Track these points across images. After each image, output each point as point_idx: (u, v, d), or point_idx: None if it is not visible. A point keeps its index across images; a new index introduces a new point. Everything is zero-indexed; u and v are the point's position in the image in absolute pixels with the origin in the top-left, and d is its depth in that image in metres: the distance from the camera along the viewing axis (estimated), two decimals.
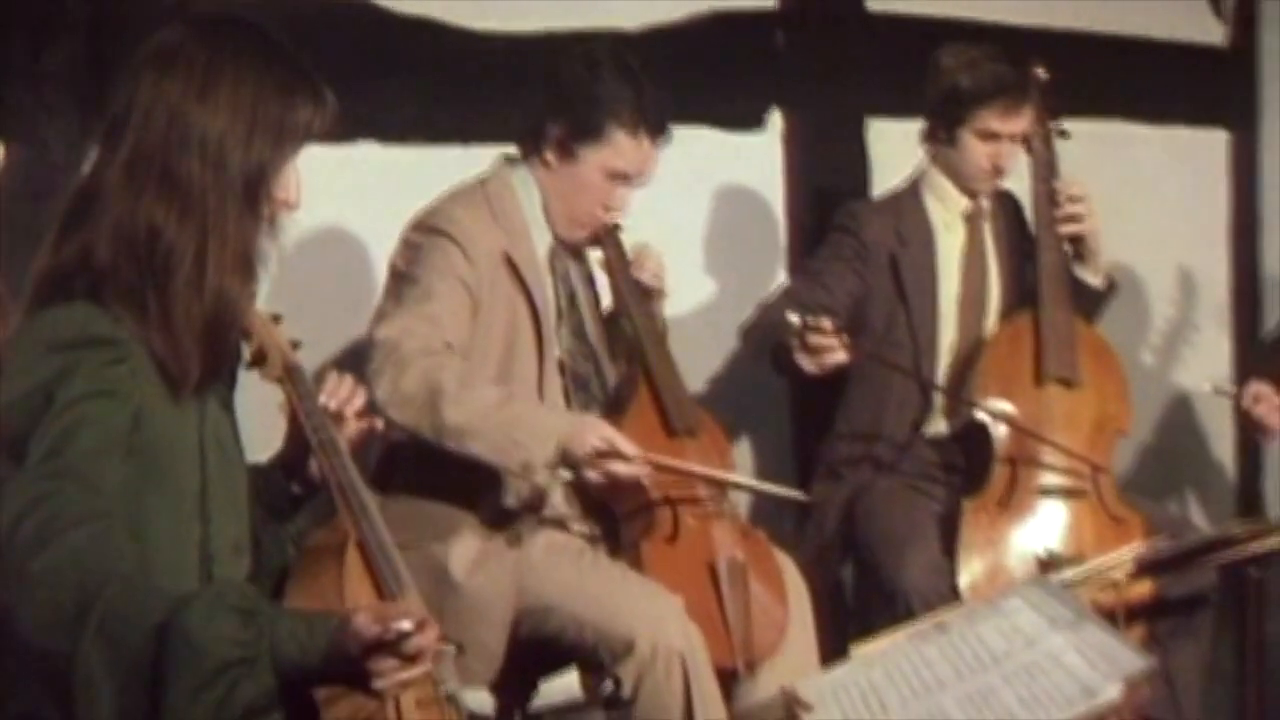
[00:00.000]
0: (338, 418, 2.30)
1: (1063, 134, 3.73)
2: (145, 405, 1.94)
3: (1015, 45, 3.77)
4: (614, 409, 3.11)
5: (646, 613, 2.85)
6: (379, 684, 1.82)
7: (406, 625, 1.77)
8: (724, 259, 4.46)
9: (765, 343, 3.40)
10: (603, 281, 3.30)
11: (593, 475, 2.82)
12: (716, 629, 2.96)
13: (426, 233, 3.00)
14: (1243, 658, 4.05)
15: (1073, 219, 3.59)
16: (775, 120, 4.55)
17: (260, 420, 2.37)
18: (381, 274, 3.55)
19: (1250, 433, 3.70)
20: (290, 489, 2.30)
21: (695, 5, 4.32)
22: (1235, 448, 5.88)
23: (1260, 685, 3.23)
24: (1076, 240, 3.63)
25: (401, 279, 2.99)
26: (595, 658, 2.88)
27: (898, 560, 3.38)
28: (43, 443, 1.84)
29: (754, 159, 4.49)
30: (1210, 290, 5.71)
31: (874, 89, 4.67)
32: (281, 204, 2.06)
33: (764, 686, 3.03)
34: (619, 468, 2.81)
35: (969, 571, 3.39)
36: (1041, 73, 3.67)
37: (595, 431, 2.81)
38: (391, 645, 1.79)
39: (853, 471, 3.64)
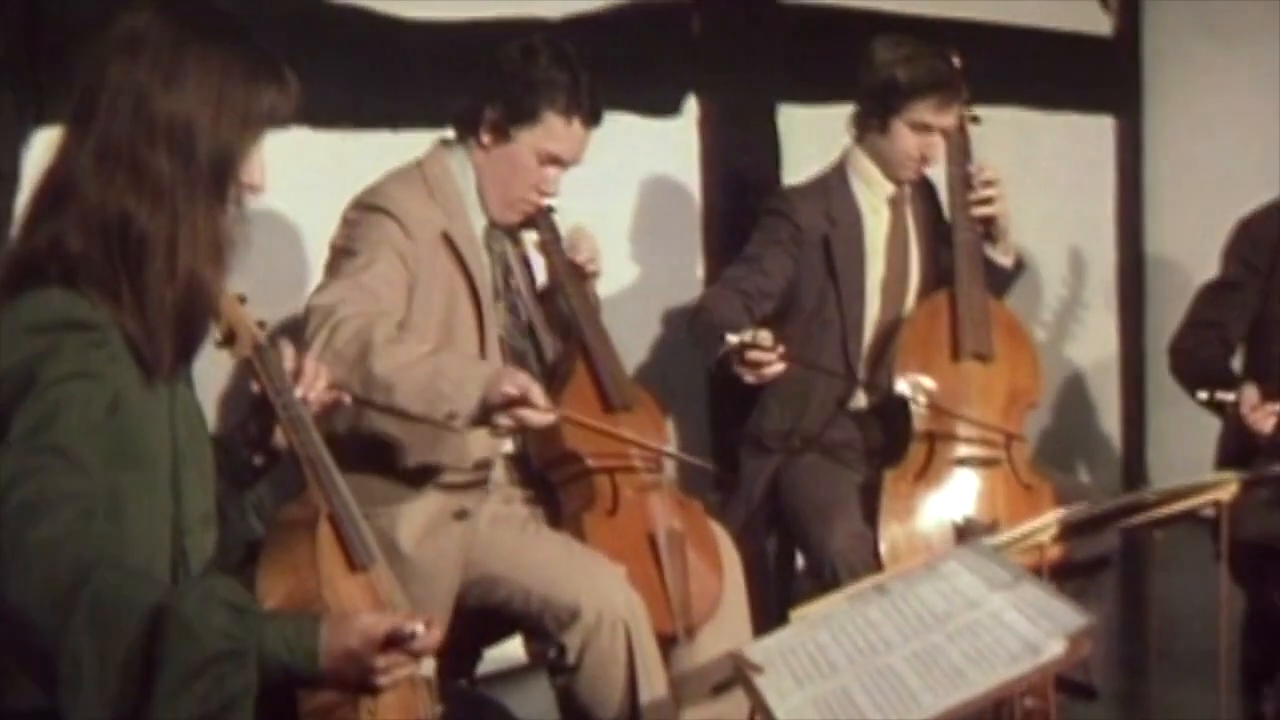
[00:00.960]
0: (304, 399, 2.28)
1: (975, 120, 3.77)
2: (122, 387, 1.93)
3: (918, 35, 3.79)
4: (553, 384, 3.11)
5: (591, 581, 2.86)
6: (382, 680, 1.83)
7: (419, 627, 1.79)
8: (643, 239, 4.50)
9: (710, 333, 3.39)
10: (538, 263, 3.30)
11: (504, 421, 2.74)
12: (656, 596, 2.98)
13: (365, 210, 2.98)
14: (1138, 613, 4.18)
15: (986, 202, 3.63)
16: (691, 106, 4.60)
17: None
18: (312, 256, 3.55)
19: (1244, 438, 3.72)
20: (252, 461, 2.28)
21: None
22: (1121, 420, 6.03)
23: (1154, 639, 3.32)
24: (988, 222, 3.67)
25: (340, 253, 2.97)
26: (541, 626, 2.89)
27: (824, 529, 3.40)
28: (26, 419, 1.82)
29: (671, 143, 4.53)
30: (1098, 269, 5.85)
31: (784, 76, 4.74)
32: (248, 187, 2.04)
33: (701, 651, 3.07)
34: (530, 415, 2.72)
35: (889, 538, 3.42)
36: (956, 60, 3.70)
37: (511, 379, 2.73)
38: (401, 644, 1.80)
39: (779, 445, 3.66)
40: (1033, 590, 2.23)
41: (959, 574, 2.39)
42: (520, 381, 2.71)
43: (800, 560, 3.75)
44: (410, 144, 3.50)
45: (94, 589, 1.72)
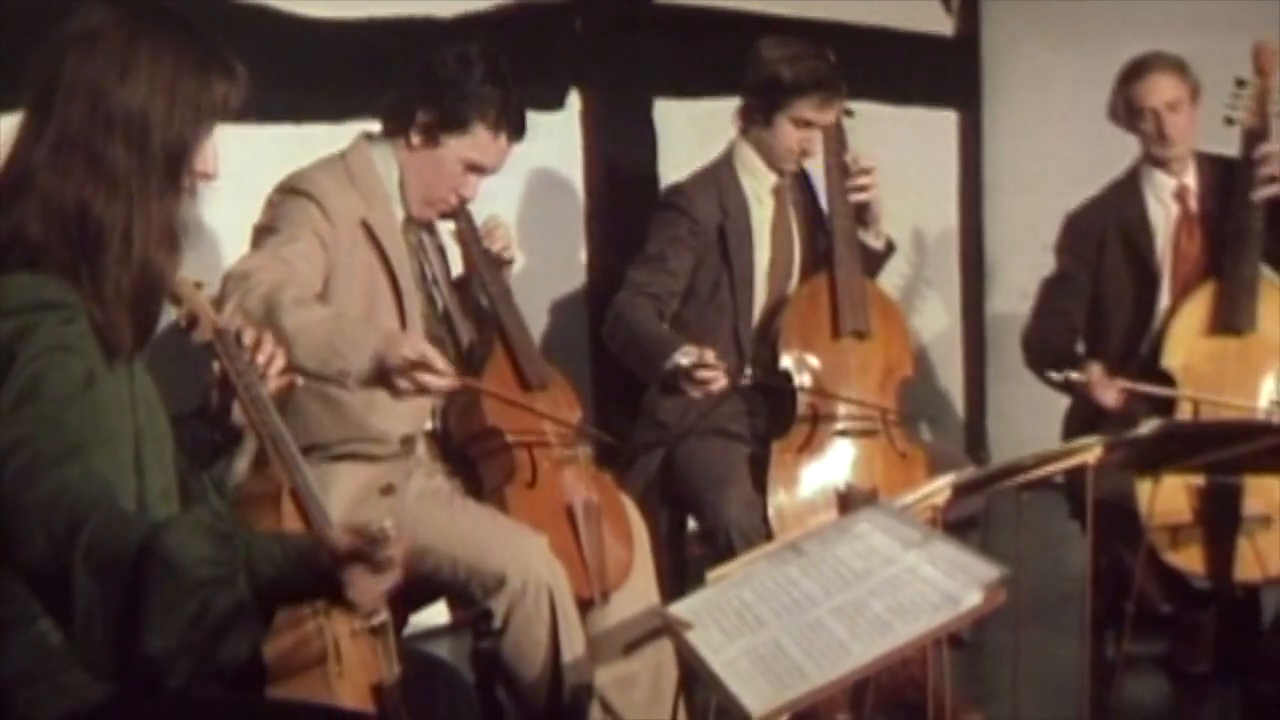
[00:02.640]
0: (261, 376, 2.29)
1: (849, 113, 3.86)
2: (93, 364, 1.92)
3: (784, 34, 3.86)
4: (471, 366, 3.14)
5: (515, 550, 2.89)
6: (352, 593, 1.85)
7: (381, 532, 1.80)
8: (529, 227, 4.52)
9: (646, 352, 3.47)
10: (453, 251, 3.32)
11: (404, 384, 2.67)
12: (575, 563, 3.02)
13: (287, 192, 2.97)
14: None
15: (862, 189, 3.74)
16: (574, 101, 4.63)
17: None
18: (219, 246, 3.52)
19: (1092, 410, 3.91)
20: (213, 438, 2.29)
21: None
22: (964, 393, 6.21)
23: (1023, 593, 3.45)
24: (863, 208, 3.77)
25: (263, 231, 2.95)
26: (468, 592, 2.91)
27: (718, 499, 3.46)
28: (9, 393, 1.81)
29: (555, 136, 4.56)
30: (942, 250, 6.01)
31: (660, 73, 4.80)
32: (201, 176, 2.04)
33: (615, 612, 3.12)
34: (430, 379, 2.66)
35: (776, 505, 3.50)
36: (832, 58, 3.79)
37: (409, 344, 2.68)
38: (365, 555, 1.81)
39: (674, 421, 3.71)
40: (943, 547, 2.27)
41: (871, 534, 2.43)
42: (419, 346, 2.66)
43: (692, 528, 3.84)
44: (314, 136, 3.51)
45: (88, 536, 1.72)
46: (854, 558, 2.39)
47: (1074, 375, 3.82)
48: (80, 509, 1.75)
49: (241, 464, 2.36)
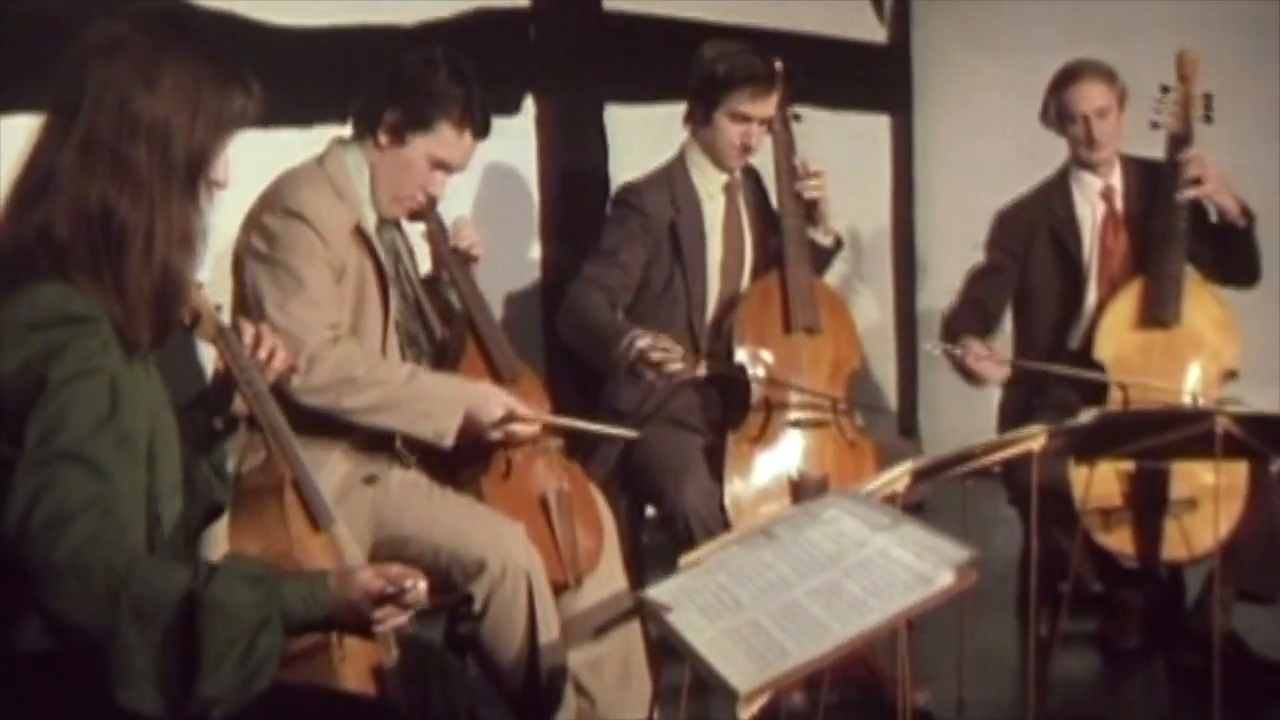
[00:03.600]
0: (261, 370, 2.31)
1: (797, 117, 3.93)
2: (114, 373, 1.94)
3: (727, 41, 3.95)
4: (446, 361, 3.17)
5: (494, 538, 2.93)
6: (380, 629, 1.96)
7: (412, 583, 1.91)
8: (487, 226, 4.52)
9: (599, 340, 3.55)
10: (421, 250, 3.34)
11: (496, 436, 2.99)
12: (549, 550, 3.06)
13: (283, 217, 2.95)
14: None
15: (811, 190, 3.80)
16: (529, 106, 4.66)
17: None
18: None
19: (969, 381, 3.99)
20: (213, 425, 2.31)
21: (461, 4, 4.40)
22: (896, 385, 6.29)
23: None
24: (812, 207, 3.84)
25: (269, 263, 2.93)
26: (448, 578, 2.92)
27: (676, 487, 3.51)
28: (39, 425, 1.83)
29: (512, 140, 4.57)
30: (876, 248, 6.09)
31: (611, 79, 4.83)
32: (215, 184, 2.07)
33: (586, 596, 3.17)
34: (519, 429, 2.98)
35: (732, 493, 3.57)
36: (779, 65, 3.85)
37: (497, 400, 2.96)
38: (395, 599, 1.91)
39: (632, 411, 3.74)
40: (912, 530, 2.30)
41: (840, 519, 2.45)
42: (506, 400, 2.94)
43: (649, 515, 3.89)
44: (282, 141, 3.51)
45: (132, 590, 1.78)
46: (825, 541, 2.41)
47: (949, 347, 3.93)
48: (118, 566, 1.80)
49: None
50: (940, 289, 6.12)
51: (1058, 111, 4.13)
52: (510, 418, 2.95)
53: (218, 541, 2.35)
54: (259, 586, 1.84)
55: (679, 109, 3.91)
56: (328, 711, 2.07)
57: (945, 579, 2.16)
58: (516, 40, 4.57)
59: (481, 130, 3.13)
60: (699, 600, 2.41)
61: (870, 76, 5.96)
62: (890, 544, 2.32)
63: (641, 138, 4.75)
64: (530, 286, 4.74)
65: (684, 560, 2.67)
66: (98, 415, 1.87)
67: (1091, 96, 4.05)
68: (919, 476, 2.91)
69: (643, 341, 3.34)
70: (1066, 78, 4.10)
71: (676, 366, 3.39)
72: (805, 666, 2.13)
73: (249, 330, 2.32)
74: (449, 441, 2.92)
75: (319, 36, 4.06)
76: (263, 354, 2.30)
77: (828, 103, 5.57)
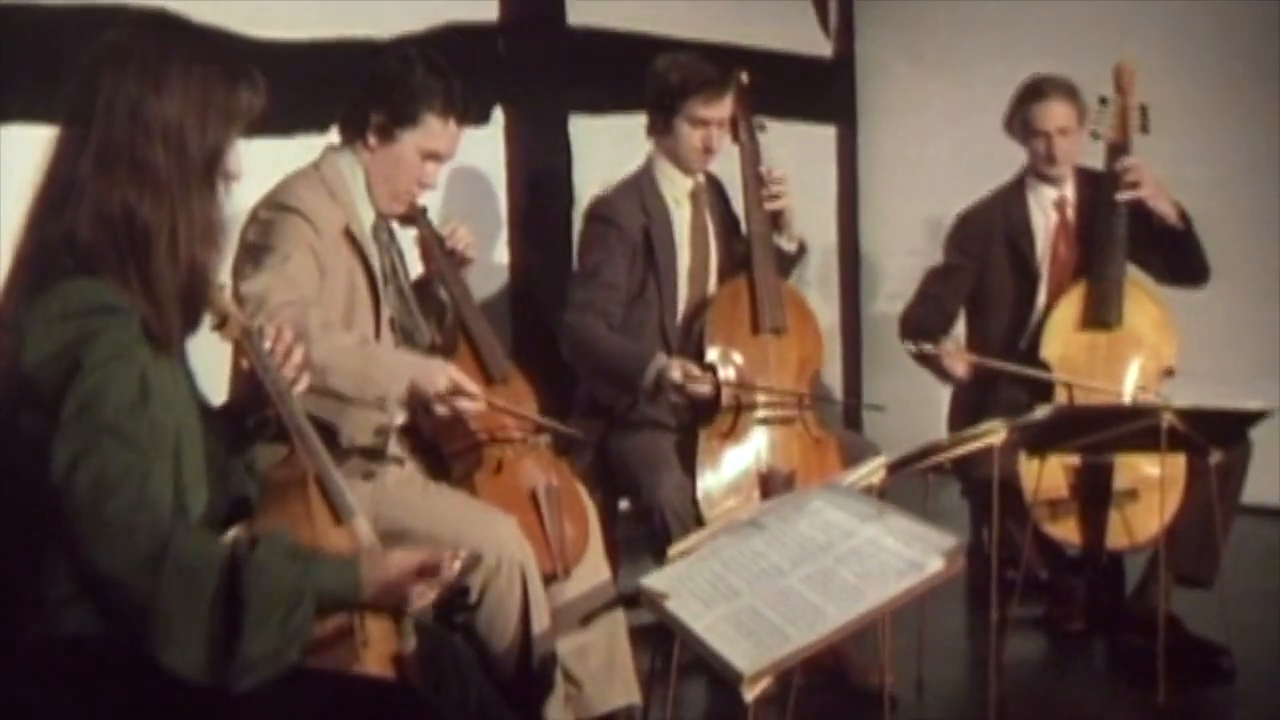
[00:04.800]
0: (280, 367, 2.33)
1: (762, 128, 3.98)
2: (145, 365, 1.96)
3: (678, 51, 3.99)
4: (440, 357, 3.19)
5: (490, 531, 2.94)
6: (414, 605, 2.03)
7: (446, 560, 2.00)
8: None
9: (601, 364, 3.67)
10: (411, 255, 3.37)
11: (441, 410, 2.88)
12: (539, 543, 3.08)
13: (277, 209, 2.98)
14: None
15: (777, 197, 3.86)
16: (498, 116, 4.70)
17: None
18: None
19: (941, 379, 4.09)
20: (246, 425, 2.33)
21: (433, 18, 4.43)
22: (842, 385, 6.36)
23: None
24: (777, 214, 3.89)
25: (258, 249, 2.95)
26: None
27: (652, 482, 3.55)
28: (75, 400, 1.85)
29: (481, 148, 4.60)
30: (824, 253, 6.16)
31: (574, 91, 4.88)
32: (230, 176, 2.09)
33: (574, 586, 3.19)
34: (465, 404, 2.88)
35: (704, 487, 3.60)
36: (744, 77, 3.89)
37: (444, 372, 2.87)
38: (430, 574, 1.96)
39: (607, 410, 3.79)
40: (898, 519, 2.31)
41: (826, 510, 2.45)
42: (452, 374, 2.84)
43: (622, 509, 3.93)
44: (264, 149, 3.49)
45: (175, 553, 1.80)
46: (814, 531, 2.41)
47: (927, 347, 4.02)
48: (161, 528, 1.82)
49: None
50: (884, 292, 6.24)
51: (1021, 125, 4.19)
52: (456, 391, 2.87)
53: None
54: (296, 561, 1.88)
55: (638, 119, 3.95)
56: (353, 695, 2.09)
57: (936, 565, 2.18)
58: (486, 53, 4.61)
59: (464, 115, 3.16)
60: (694, 588, 2.40)
61: (817, 89, 6.03)
62: (879, 533, 2.32)
63: (603, 146, 4.82)
64: (499, 290, 4.78)
65: (673, 550, 2.70)
66: (131, 397, 1.89)
67: (1056, 115, 4.12)
68: (893, 468, 2.97)
69: (675, 374, 3.46)
70: (1034, 94, 4.16)
71: (705, 389, 3.48)
72: (805, 649, 2.14)
73: (269, 330, 2.33)
74: (393, 409, 2.85)
75: (301, 49, 4.08)
76: (280, 350, 2.32)
77: (777, 113, 5.55)
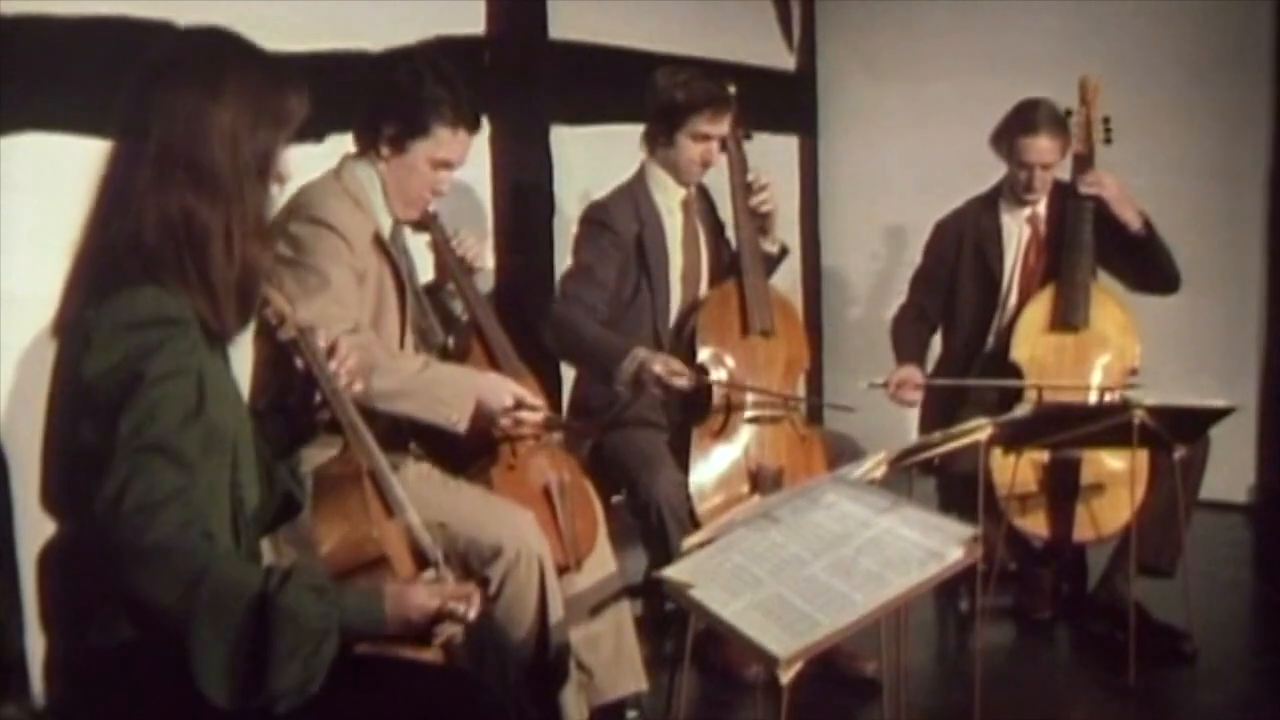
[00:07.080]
0: (335, 372, 2.37)
1: (748, 137, 4.06)
2: (203, 371, 2.00)
3: (654, 67, 4.04)
4: (454, 360, 3.23)
5: (509, 524, 2.98)
6: (436, 642, 2.09)
7: (464, 607, 2.07)
8: None
9: (583, 352, 3.74)
10: (423, 261, 3.40)
11: (505, 422, 3.05)
12: (553, 536, 3.13)
13: (309, 223, 2.98)
14: None
15: (763, 203, 3.93)
16: (483, 126, 4.70)
17: None
18: None
19: (945, 402, 4.21)
20: (295, 429, 2.37)
21: (422, 31, 4.43)
22: (805, 381, 6.42)
23: None
24: (763, 219, 3.97)
25: (296, 266, 2.95)
26: (465, 563, 2.97)
27: (649, 478, 3.60)
28: (132, 417, 1.88)
29: (468, 158, 4.62)
30: (786, 261, 6.22)
31: (556, 102, 4.92)
32: (280, 178, 2.14)
33: (584, 577, 3.25)
34: (528, 416, 3.05)
35: (696, 483, 3.67)
36: (732, 89, 3.97)
37: (506, 389, 3.03)
38: (451, 615, 2.05)
39: (602, 410, 3.83)
40: (912, 511, 2.36)
41: (840, 502, 2.50)
42: (515, 390, 2.99)
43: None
44: None
45: (211, 586, 1.84)
46: (831, 523, 2.45)
47: (876, 380, 4.23)
48: (199, 558, 1.86)
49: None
50: (843, 298, 6.33)
51: (1009, 150, 4.26)
52: (520, 405, 3.02)
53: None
54: (324, 598, 1.92)
55: (617, 129, 4.01)
56: (407, 677, 2.13)
57: (955, 554, 2.23)
58: (472, 65, 4.62)
59: (473, 125, 3.20)
60: (717, 578, 2.43)
61: (780, 101, 6.10)
62: (895, 524, 2.37)
63: (584, 156, 4.86)
64: (484, 293, 4.79)
65: (688, 543, 2.76)
66: (186, 411, 1.93)
67: (1043, 150, 4.19)
68: (893, 463, 3.04)
69: (657, 367, 3.53)
70: (1025, 126, 4.19)
71: (683, 383, 3.54)
72: (836, 634, 2.19)
73: (322, 335, 2.37)
74: (463, 426, 2.96)
75: (295, 61, 4.05)
76: (336, 357, 2.36)
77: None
